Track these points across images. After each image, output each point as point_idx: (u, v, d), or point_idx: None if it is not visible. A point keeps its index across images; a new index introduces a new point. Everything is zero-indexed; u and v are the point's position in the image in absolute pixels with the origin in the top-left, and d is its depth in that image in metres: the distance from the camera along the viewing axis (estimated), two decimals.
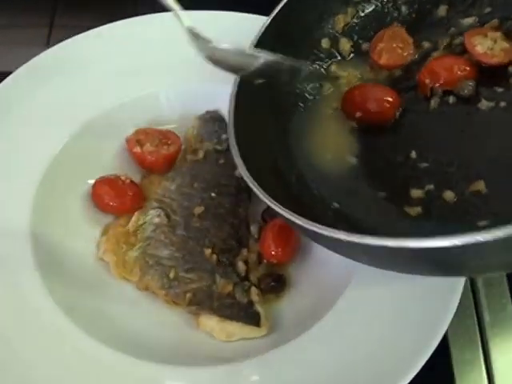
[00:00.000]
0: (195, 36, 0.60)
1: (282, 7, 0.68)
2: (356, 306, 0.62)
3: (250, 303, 0.64)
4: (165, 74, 0.75)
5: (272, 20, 0.67)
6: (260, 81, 0.64)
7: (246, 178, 0.56)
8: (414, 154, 0.61)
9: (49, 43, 2.12)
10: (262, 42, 0.66)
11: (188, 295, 0.64)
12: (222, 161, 0.74)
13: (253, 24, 0.68)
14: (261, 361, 0.60)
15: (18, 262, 0.63)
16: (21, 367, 0.58)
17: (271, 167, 0.62)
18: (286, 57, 0.64)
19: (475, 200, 0.55)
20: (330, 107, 0.67)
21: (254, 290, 0.65)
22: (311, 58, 0.70)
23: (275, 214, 0.54)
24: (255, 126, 0.63)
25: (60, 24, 2.19)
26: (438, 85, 0.64)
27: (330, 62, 0.70)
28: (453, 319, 0.59)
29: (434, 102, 0.64)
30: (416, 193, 0.58)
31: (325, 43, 0.70)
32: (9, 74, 0.74)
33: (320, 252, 0.68)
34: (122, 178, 0.71)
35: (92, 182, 0.71)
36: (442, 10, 0.69)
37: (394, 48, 0.68)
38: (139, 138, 0.73)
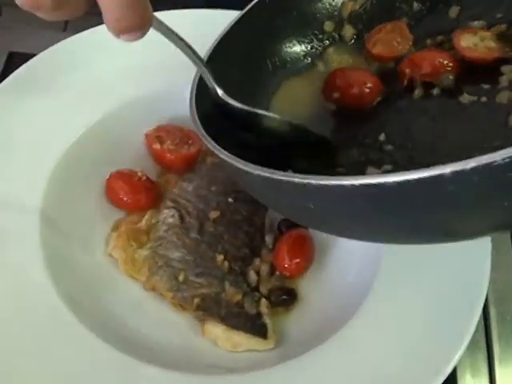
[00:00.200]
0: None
1: None
2: (367, 328, 0.60)
3: (259, 315, 0.63)
4: (193, 70, 0.74)
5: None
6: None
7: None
8: (382, 137, 0.59)
9: (66, 28, 2.13)
10: (263, 8, 0.64)
11: (196, 300, 0.63)
12: None
13: None
14: (264, 375, 0.58)
15: (25, 248, 0.62)
16: (20, 361, 0.56)
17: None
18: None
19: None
20: (314, 85, 0.66)
21: (263, 301, 0.63)
22: (310, 37, 0.69)
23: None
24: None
25: None
26: (417, 76, 0.63)
27: (328, 44, 0.69)
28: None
29: (417, 93, 0.62)
30: (372, 171, 0.56)
31: (328, 26, 0.69)
32: (23, 55, 0.73)
33: (334, 267, 0.67)
34: (139, 173, 0.69)
35: (107, 174, 0.70)
36: (454, 12, 0.67)
37: (389, 40, 0.67)
38: (159, 134, 0.72)
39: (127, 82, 0.73)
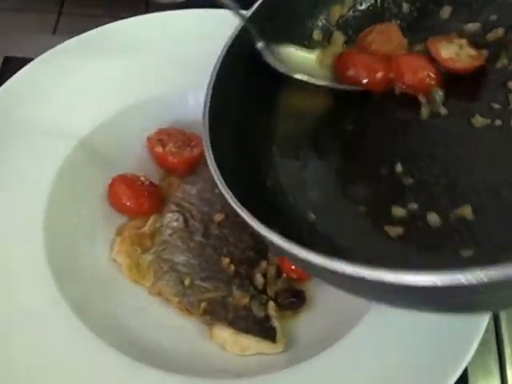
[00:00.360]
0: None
1: None
2: (376, 331, 0.60)
3: (267, 317, 0.62)
4: (195, 73, 0.73)
5: (263, 1, 0.64)
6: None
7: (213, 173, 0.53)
8: (399, 168, 0.57)
9: (55, 31, 2.13)
10: (252, 21, 0.62)
11: (202, 304, 0.62)
12: None
13: None
14: (273, 378, 0.58)
15: (31, 258, 0.61)
16: (28, 367, 0.56)
17: (245, 167, 0.59)
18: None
19: (460, 226, 0.52)
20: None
21: (271, 304, 0.63)
22: (298, 46, 0.66)
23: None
24: (230, 122, 0.60)
25: (68, 12, 2.20)
26: (399, 83, 0.62)
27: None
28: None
29: (424, 112, 0.61)
30: (398, 211, 0.55)
31: (316, 35, 0.67)
32: (19, 59, 0.72)
33: None
34: (142, 178, 0.69)
35: (109, 179, 0.69)
36: (446, 12, 0.66)
37: (383, 40, 0.66)
38: (161, 137, 0.71)
39: (128, 86, 0.72)
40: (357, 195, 0.57)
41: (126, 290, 0.64)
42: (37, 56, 0.74)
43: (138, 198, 0.68)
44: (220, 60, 0.59)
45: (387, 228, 0.54)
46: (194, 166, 0.71)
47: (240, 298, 0.63)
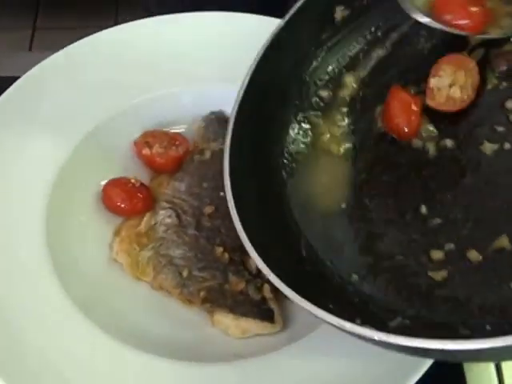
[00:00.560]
0: None
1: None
2: None
3: (263, 300, 0.65)
4: (168, 76, 0.77)
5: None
6: None
7: (251, 255, 0.53)
8: (423, 209, 0.57)
9: (31, 47, 2.13)
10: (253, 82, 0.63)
11: (202, 293, 0.65)
12: None
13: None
14: (275, 356, 0.61)
15: (36, 266, 0.64)
16: (40, 368, 0.59)
17: (278, 241, 0.59)
18: None
19: (500, 257, 0.52)
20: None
21: (266, 286, 0.65)
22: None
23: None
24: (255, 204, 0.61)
25: (42, 26, 2.20)
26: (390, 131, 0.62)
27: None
28: None
29: (431, 149, 0.61)
30: (436, 254, 0.54)
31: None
32: None
33: None
34: (132, 180, 0.72)
35: (102, 184, 0.72)
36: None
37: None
38: (147, 140, 0.74)
39: (111, 94, 0.75)
40: (391, 247, 0.57)
41: (129, 287, 0.67)
42: (18, 73, 0.76)
43: (132, 199, 0.71)
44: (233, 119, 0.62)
45: (431, 273, 0.54)
46: (181, 164, 0.74)
47: (236, 283, 0.65)
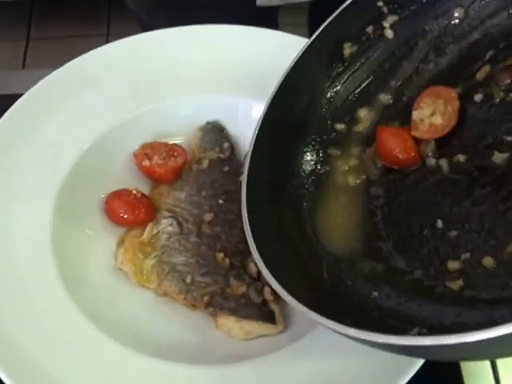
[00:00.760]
0: None
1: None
2: None
3: (264, 302, 0.67)
4: (166, 88, 0.79)
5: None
6: None
7: (275, 288, 0.54)
8: (440, 224, 0.58)
9: (25, 59, 2.14)
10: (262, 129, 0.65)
11: (205, 298, 0.67)
12: (226, 168, 0.77)
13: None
14: (277, 356, 0.63)
15: (43, 277, 0.66)
16: (48, 374, 0.61)
17: (297, 267, 0.60)
18: None
19: None
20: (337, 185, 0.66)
21: (267, 289, 0.67)
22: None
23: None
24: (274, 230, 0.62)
25: (36, 37, 2.22)
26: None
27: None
28: None
29: (444, 166, 0.61)
30: (453, 264, 0.55)
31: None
32: None
33: None
34: (134, 191, 0.74)
35: (103, 197, 0.75)
36: None
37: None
38: (146, 151, 0.76)
39: (110, 109, 0.78)
40: (411, 262, 0.58)
41: (135, 295, 0.70)
42: (16, 90, 0.79)
43: (134, 210, 0.73)
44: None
45: (448, 283, 0.54)
46: (180, 173, 0.77)
47: (237, 287, 0.67)
